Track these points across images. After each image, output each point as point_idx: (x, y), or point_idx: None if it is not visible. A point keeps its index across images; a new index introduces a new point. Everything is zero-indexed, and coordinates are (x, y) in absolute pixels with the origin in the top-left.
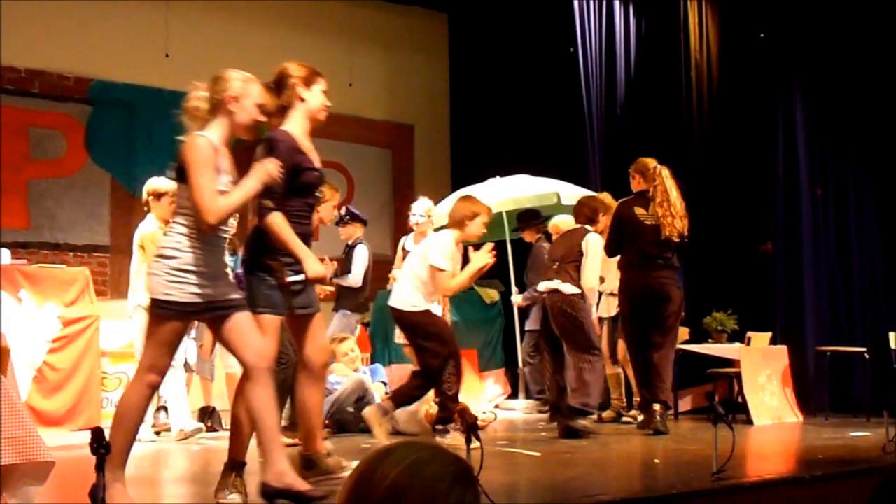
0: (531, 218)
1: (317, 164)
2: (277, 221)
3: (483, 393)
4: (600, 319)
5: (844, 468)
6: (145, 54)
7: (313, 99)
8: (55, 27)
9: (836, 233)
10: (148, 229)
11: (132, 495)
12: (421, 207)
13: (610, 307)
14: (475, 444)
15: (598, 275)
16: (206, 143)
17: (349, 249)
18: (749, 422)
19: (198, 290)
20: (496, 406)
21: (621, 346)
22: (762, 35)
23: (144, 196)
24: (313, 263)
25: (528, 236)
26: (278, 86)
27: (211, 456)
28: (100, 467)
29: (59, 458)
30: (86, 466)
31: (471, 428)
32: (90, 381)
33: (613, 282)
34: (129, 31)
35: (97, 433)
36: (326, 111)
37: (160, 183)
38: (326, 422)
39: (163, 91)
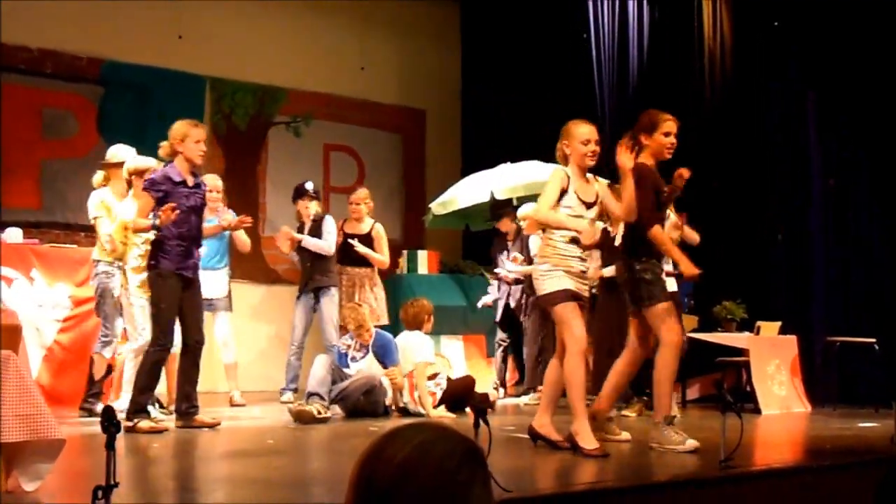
0: (504, 206)
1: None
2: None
3: (491, 378)
4: None
5: (852, 458)
6: (158, 36)
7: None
8: (68, 7)
9: (846, 223)
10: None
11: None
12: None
13: None
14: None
15: None
16: (564, 174)
17: (316, 223)
18: (757, 411)
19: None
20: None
21: None
22: (776, 23)
23: (126, 175)
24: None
25: (505, 226)
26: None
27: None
28: (110, 445)
29: (69, 437)
30: (96, 444)
31: (479, 413)
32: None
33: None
34: (141, 12)
35: (108, 411)
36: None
37: (143, 161)
38: (328, 408)
39: (175, 73)
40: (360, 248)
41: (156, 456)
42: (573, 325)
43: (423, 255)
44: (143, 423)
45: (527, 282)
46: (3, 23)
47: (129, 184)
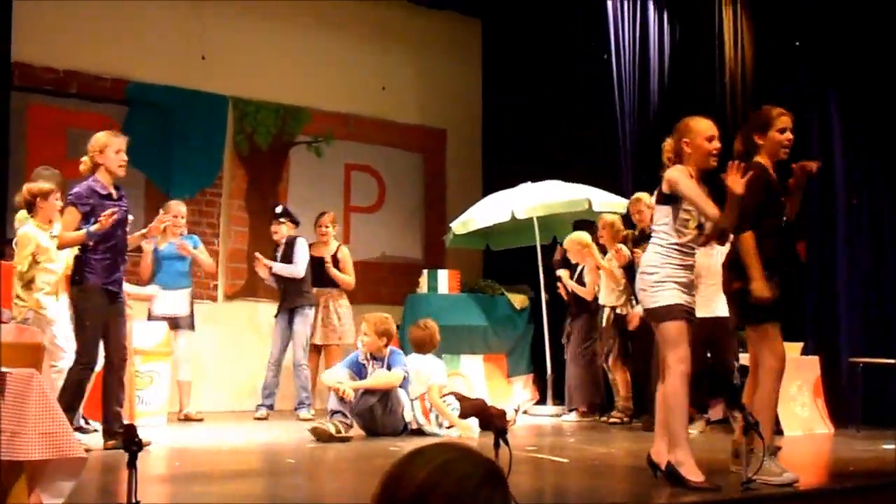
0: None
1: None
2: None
3: (511, 397)
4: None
5: (876, 480)
6: (181, 56)
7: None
8: (92, 29)
9: (870, 242)
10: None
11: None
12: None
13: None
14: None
15: None
16: (685, 171)
17: (288, 246)
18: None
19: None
20: (524, 412)
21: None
22: (797, 43)
23: (27, 197)
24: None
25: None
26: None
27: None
28: (132, 463)
29: (91, 454)
30: (117, 462)
31: (499, 433)
32: None
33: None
34: (165, 33)
35: (130, 430)
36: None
37: (44, 183)
38: (350, 426)
39: (199, 93)
40: (333, 271)
41: (172, 475)
42: (680, 345)
43: (443, 275)
44: None
45: (573, 306)
46: (30, 44)
47: (31, 205)
